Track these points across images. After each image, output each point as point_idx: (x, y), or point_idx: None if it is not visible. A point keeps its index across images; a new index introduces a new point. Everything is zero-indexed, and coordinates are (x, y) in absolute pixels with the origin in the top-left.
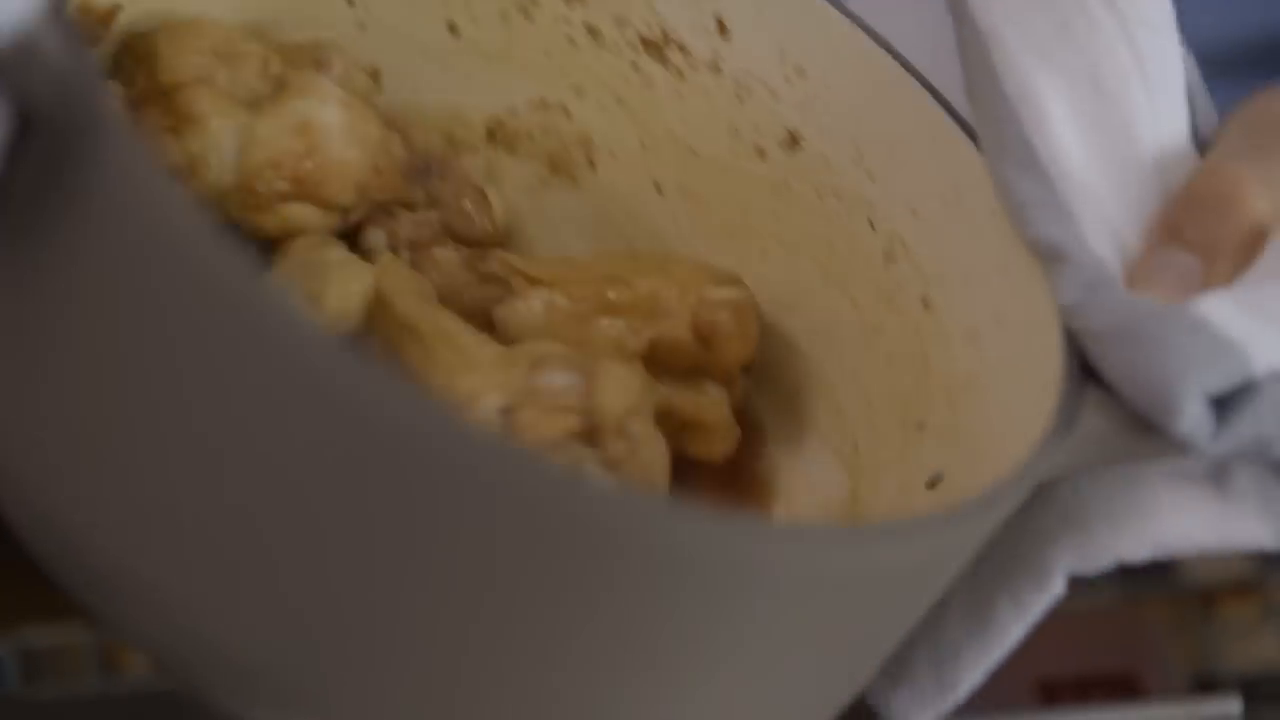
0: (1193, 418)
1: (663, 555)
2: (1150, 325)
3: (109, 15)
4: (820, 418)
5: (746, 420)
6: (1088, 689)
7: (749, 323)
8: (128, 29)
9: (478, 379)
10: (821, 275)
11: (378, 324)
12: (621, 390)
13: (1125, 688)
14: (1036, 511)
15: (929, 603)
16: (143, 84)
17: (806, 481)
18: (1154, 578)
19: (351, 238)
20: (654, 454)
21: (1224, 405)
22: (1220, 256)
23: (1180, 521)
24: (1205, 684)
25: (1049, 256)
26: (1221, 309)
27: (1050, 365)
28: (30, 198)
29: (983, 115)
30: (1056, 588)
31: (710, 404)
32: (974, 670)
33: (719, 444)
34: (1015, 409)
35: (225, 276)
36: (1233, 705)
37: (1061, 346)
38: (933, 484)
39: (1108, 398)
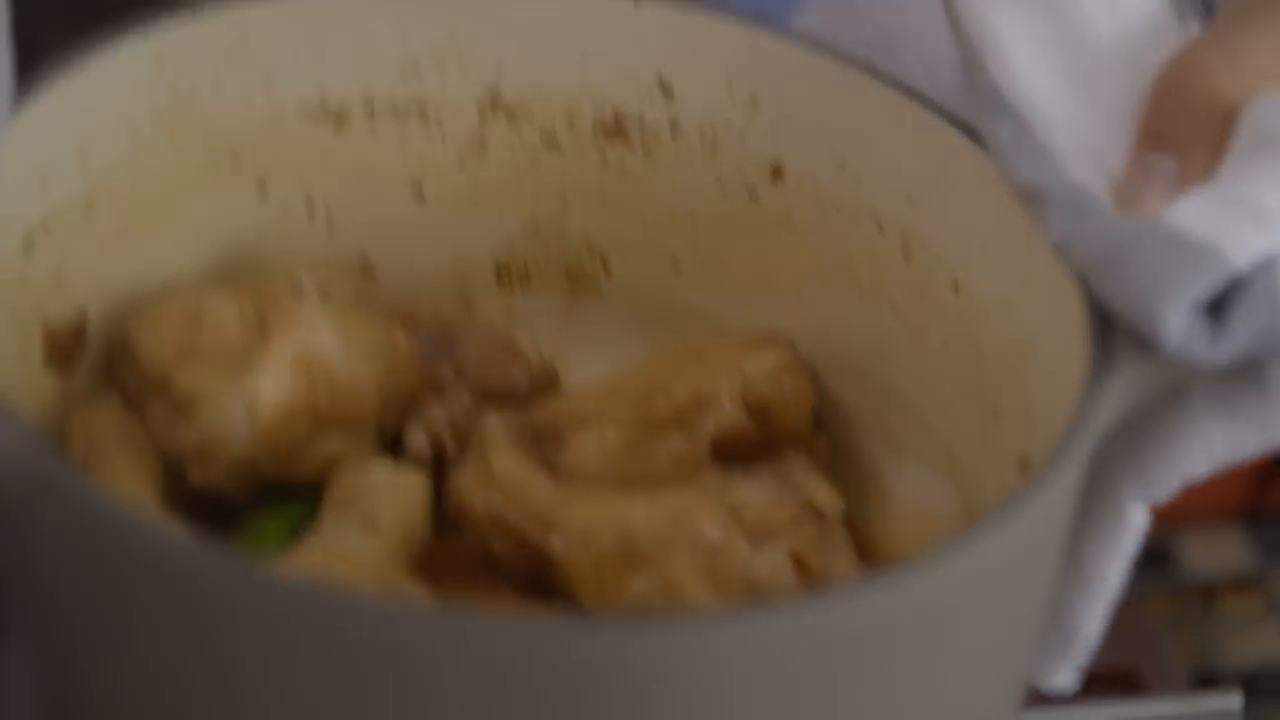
0: (1180, 329)
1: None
2: (1126, 246)
3: (78, 332)
4: (909, 436)
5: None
6: (1088, 684)
7: (798, 382)
8: (106, 333)
9: (710, 524)
10: (856, 293)
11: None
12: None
13: (1126, 683)
14: (1101, 451)
15: (1046, 582)
16: (134, 380)
17: (917, 504)
18: (1154, 573)
19: (395, 442)
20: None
21: (1221, 308)
22: (1194, 151)
23: (1229, 432)
24: (1206, 679)
25: (1032, 199)
26: (1192, 211)
27: (1078, 312)
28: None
29: (963, 66)
30: (1137, 520)
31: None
32: (1090, 619)
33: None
34: (1067, 366)
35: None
36: (1233, 700)
37: (1079, 291)
38: (1023, 467)
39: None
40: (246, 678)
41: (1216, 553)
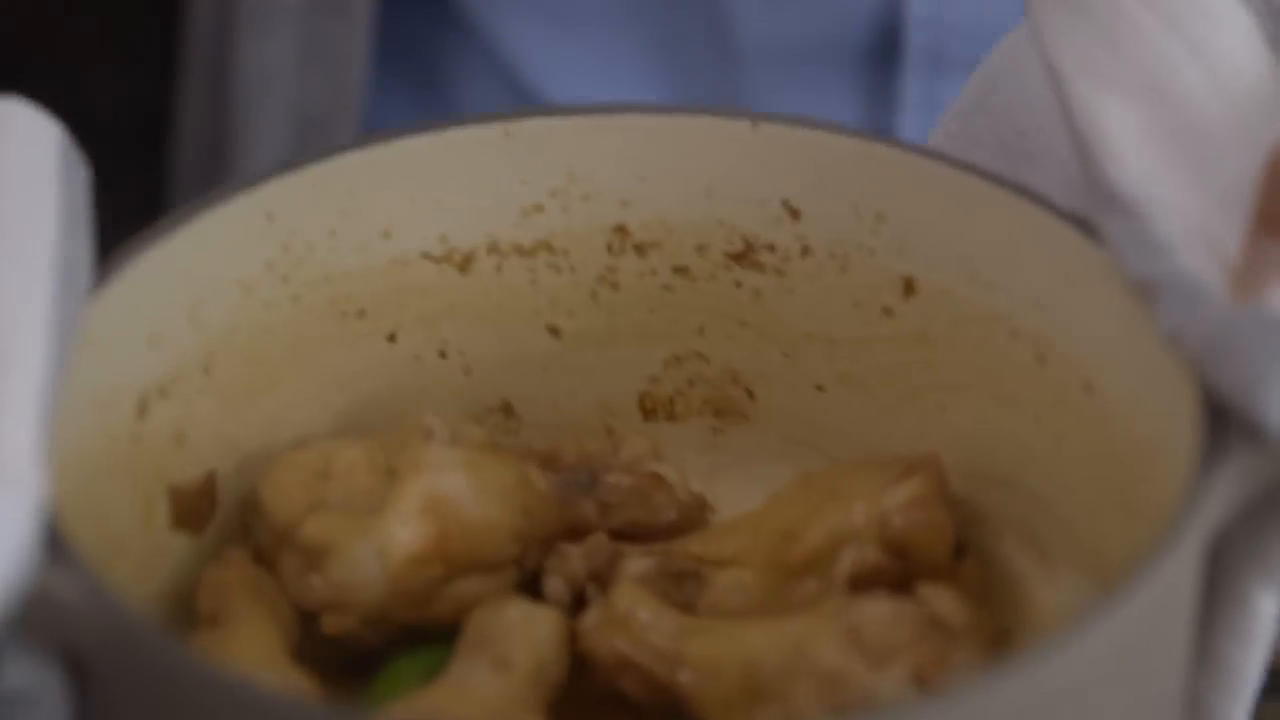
0: None
1: None
2: (1233, 332)
3: (207, 492)
4: (1057, 542)
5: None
6: None
7: (936, 515)
8: (237, 490)
9: (828, 650)
10: (996, 404)
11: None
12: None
13: None
14: (1223, 547)
15: (1165, 677)
16: (266, 536)
17: (1072, 610)
18: None
19: (535, 582)
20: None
21: None
22: None
23: None
24: None
25: (1146, 292)
26: None
27: (1192, 403)
28: None
29: (1079, 161)
30: (1266, 610)
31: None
32: (1229, 718)
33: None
34: (1190, 458)
35: None
36: None
37: (1193, 382)
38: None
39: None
40: None
41: None
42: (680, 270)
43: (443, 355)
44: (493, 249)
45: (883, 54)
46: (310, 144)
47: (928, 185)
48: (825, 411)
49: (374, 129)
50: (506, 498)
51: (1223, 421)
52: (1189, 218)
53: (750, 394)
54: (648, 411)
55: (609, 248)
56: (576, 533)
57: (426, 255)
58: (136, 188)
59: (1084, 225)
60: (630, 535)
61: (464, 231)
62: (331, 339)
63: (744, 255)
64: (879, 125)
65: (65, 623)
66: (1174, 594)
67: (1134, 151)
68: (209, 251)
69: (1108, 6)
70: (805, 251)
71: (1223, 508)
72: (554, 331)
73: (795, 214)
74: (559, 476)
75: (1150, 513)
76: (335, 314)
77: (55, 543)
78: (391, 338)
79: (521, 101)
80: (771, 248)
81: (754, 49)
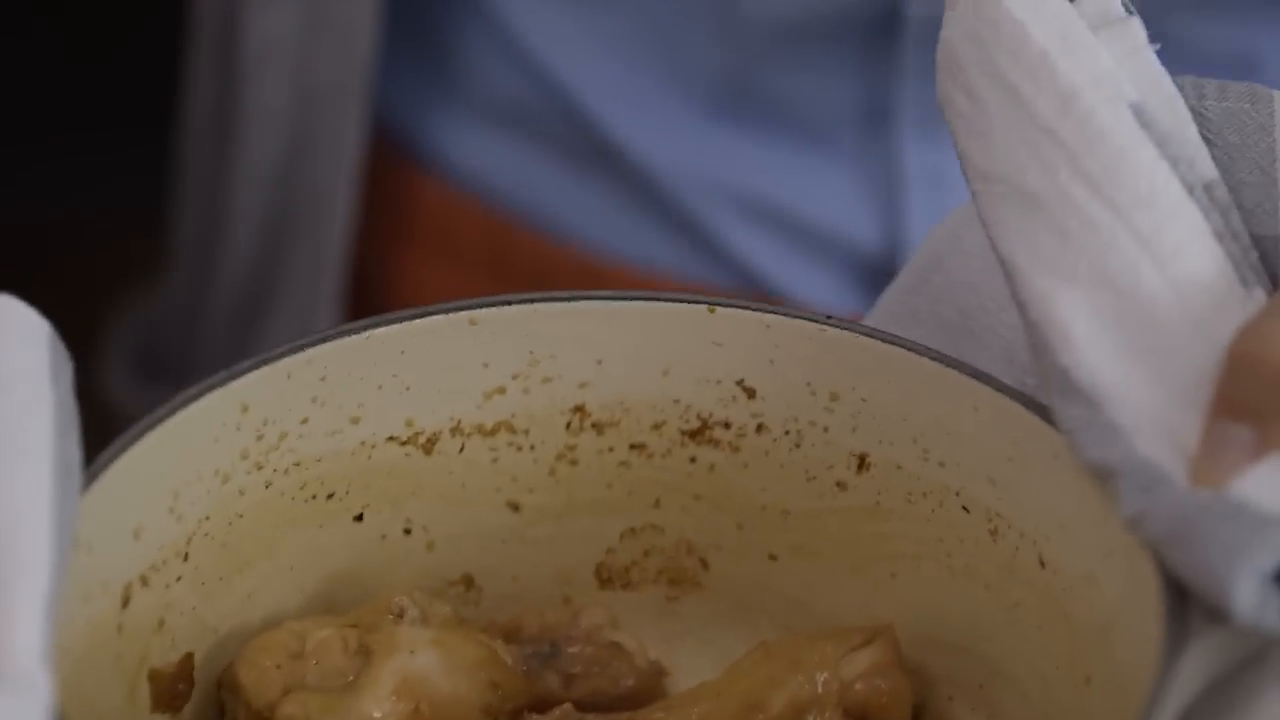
0: (1251, 600)
1: None
2: (1195, 518)
3: (184, 675)
4: (1011, 709)
5: None
6: None
7: (896, 681)
8: (212, 670)
9: None
10: (949, 574)
11: None
12: None
13: None
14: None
15: None
16: (243, 715)
17: None
18: None
19: None
20: None
21: None
22: (1273, 421)
23: None
24: None
25: (1104, 476)
26: (1263, 481)
27: (1154, 582)
28: None
29: (1030, 349)
30: None
31: None
32: None
33: None
34: (1150, 636)
35: None
36: None
37: (1155, 565)
38: None
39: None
40: None
41: None
42: (637, 447)
43: (407, 532)
44: (456, 430)
45: (883, 26)
46: (317, 119)
47: (880, 366)
48: (779, 580)
49: (382, 103)
50: (475, 673)
51: (1186, 603)
52: (1146, 407)
53: (704, 563)
54: (604, 581)
55: (568, 427)
56: (541, 704)
57: (393, 438)
58: (146, 160)
59: (1036, 405)
60: (591, 705)
61: (429, 414)
62: (301, 520)
63: (699, 432)
64: (879, 97)
65: None
66: None
67: (1088, 341)
68: (188, 444)
69: (1058, 198)
70: (760, 429)
71: (1189, 687)
72: (514, 507)
73: (750, 393)
74: (523, 649)
75: (1107, 686)
76: (305, 497)
77: None
78: (359, 518)
79: (530, 77)
80: (726, 425)
81: (758, 24)
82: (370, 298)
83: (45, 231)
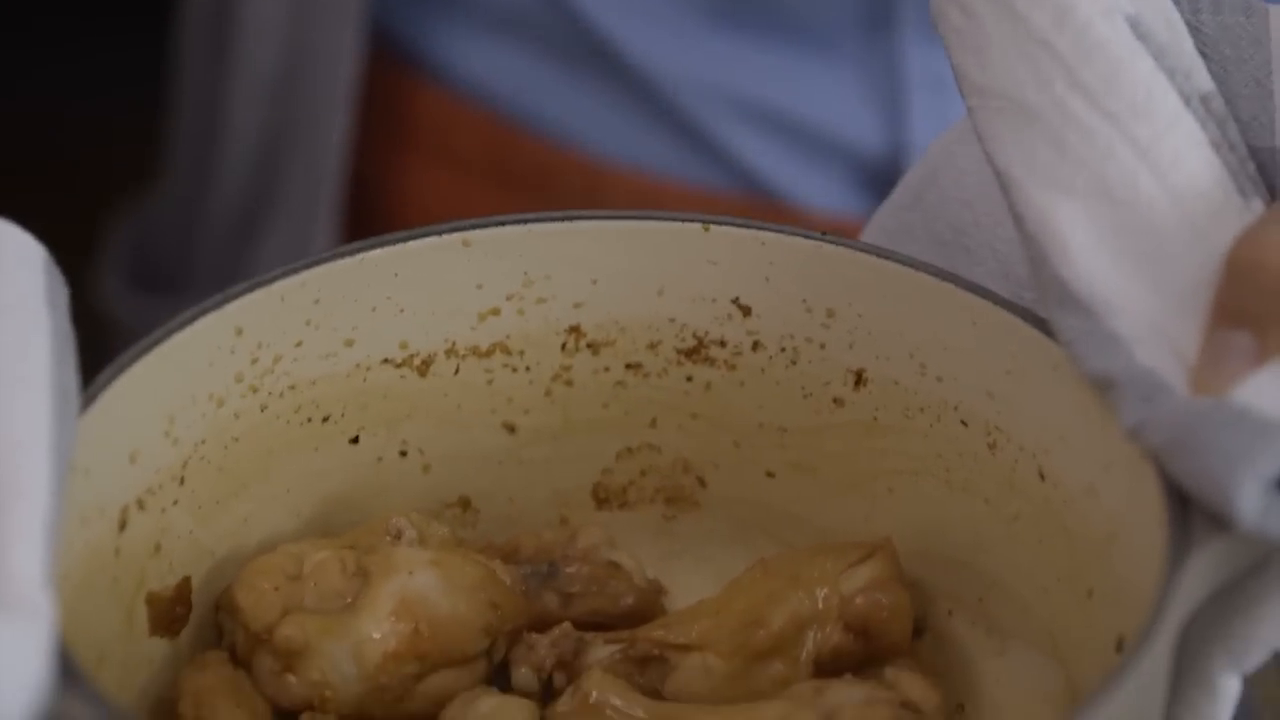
0: (1255, 506)
1: None
2: (1197, 427)
3: (182, 598)
4: (1011, 621)
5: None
6: None
7: (896, 596)
8: (209, 594)
9: None
10: (947, 488)
11: None
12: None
13: None
14: (1190, 624)
15: None
16: (241, 638)
17: (1026, 686)
18: None
19: (503, 674)
20: None
21: None
22: (1272, 327)
23: None
24: None
25: (1105, 387)
26: (1264, 388)
27: (1157, 495)
28: None
29: (1028, 262)
30: (1229, 690)
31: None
32: None
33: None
34: (1152, 546)
35: None
36: None
37: (1157, 474)
38: (1120, 646)
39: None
40: None
41: None
42: (633, 367)
43: (403, 454)
44: (451, 352)
45: None
46: (315, 28)
47: (877, 282)
48: (776, 497)
49: (380, 12)
50: (474, 594)
51: (1188, 512)
52: (1145, 316)
53: (701, 482)
54: (600, 501)
55: (563, 347)
56: (540, 623)
57: (388, 361)
58: (142, 65)
59: (1034, 318)
60: (591, 624)
61: (424, 336)
62: (297, 444)
63: (695, 351)
64: (881, 1)
65: None
66: (1151, 683)
67: (1086, 251)
68: (182, 368)
69: (1055, 110)
70: (756, 346)
71: (1193, 596)
72: (510, 428)
73: (746, 311)
74: (521, 569)
75: (1109, 597)
76: (300, 420)
77: (67, 666)
78: (354, 440)
79: None
80: (722, 343)
81: None
82: (370, 208)
83: (37, 133)
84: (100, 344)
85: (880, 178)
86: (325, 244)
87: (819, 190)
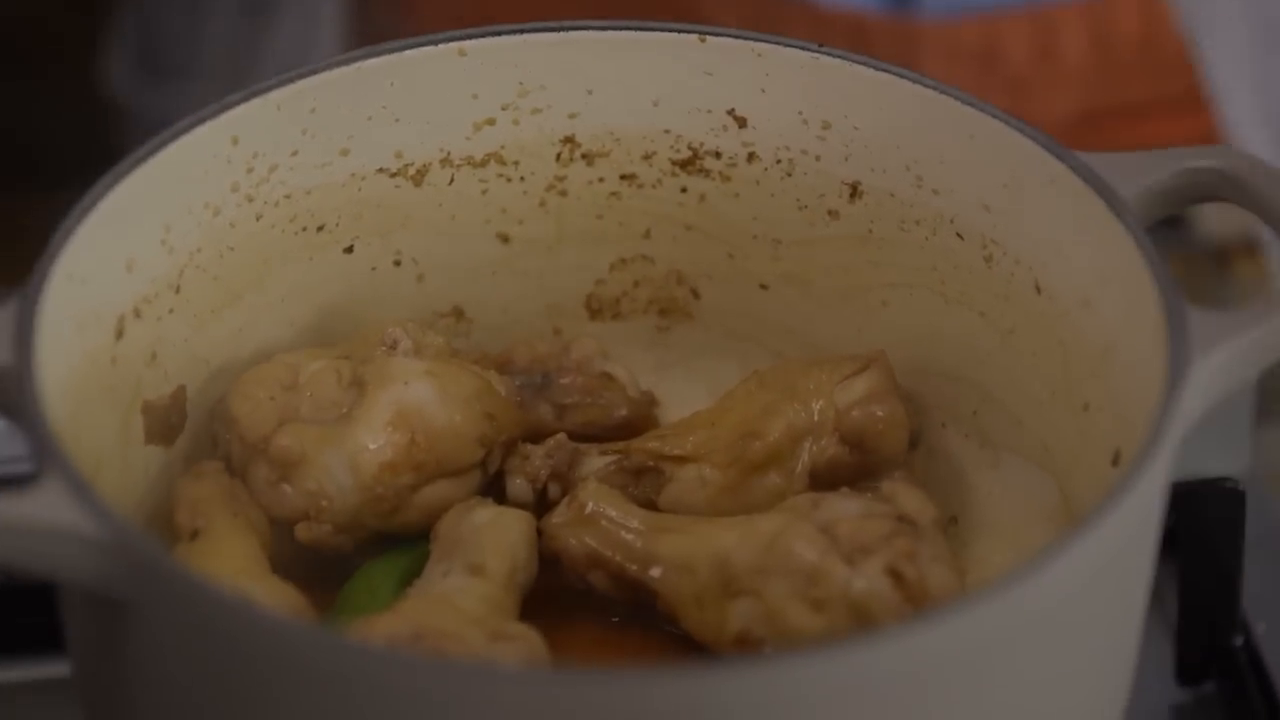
0: None
1: None
2: None
3: (177, 407)
4: (1004, 434)
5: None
6: None
7: (892, 407)
8: (205, 404)
9: (804, 547)
10: (943, 301)
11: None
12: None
13: None
14: None
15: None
16: (236, 447)
17: (1019, 498)
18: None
19: (496, 484)
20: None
21: None
22: None
23: None
24: None
25: None
26: None
27: (1155, 306)
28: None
29: None
30: None
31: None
32: None
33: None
34: (1149, 361)
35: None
36: None
37: (1153, 280)
38: (1115, 460)
39: (1216, 320)
40: None
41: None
42: (627, 178)
43: (397, 264)
44: (446, 162)
45: None
46: None
47: (874, 94)
48: (769, 309)
49: None
50: (470, 405)
51: (1186, 324)
52: None
53: (695, 293)
54: (594, 312)
55: (558, 158)
56: (534, 435)
57: (383, 170)
58: None
59: (1034, 132)
60: (584, 435)
61: (419, 146)
62: (292, 253)
63: (690, 162)
64: None
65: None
66: (1152, 499)
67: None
68: (179, 177)
69: None
70: (751, 158)
71: (1193, 410)
72: (504, 238)
73: (741, 122)
74: (514, 380)
75: (1105, 411)
76: (295, 229)
77: (67, 474)
78: (349, 250)
79: None
80: (717, 154)
81: None
82: None
83: None
84: (113, 134)
85: None
86: (334, 23)
87: None
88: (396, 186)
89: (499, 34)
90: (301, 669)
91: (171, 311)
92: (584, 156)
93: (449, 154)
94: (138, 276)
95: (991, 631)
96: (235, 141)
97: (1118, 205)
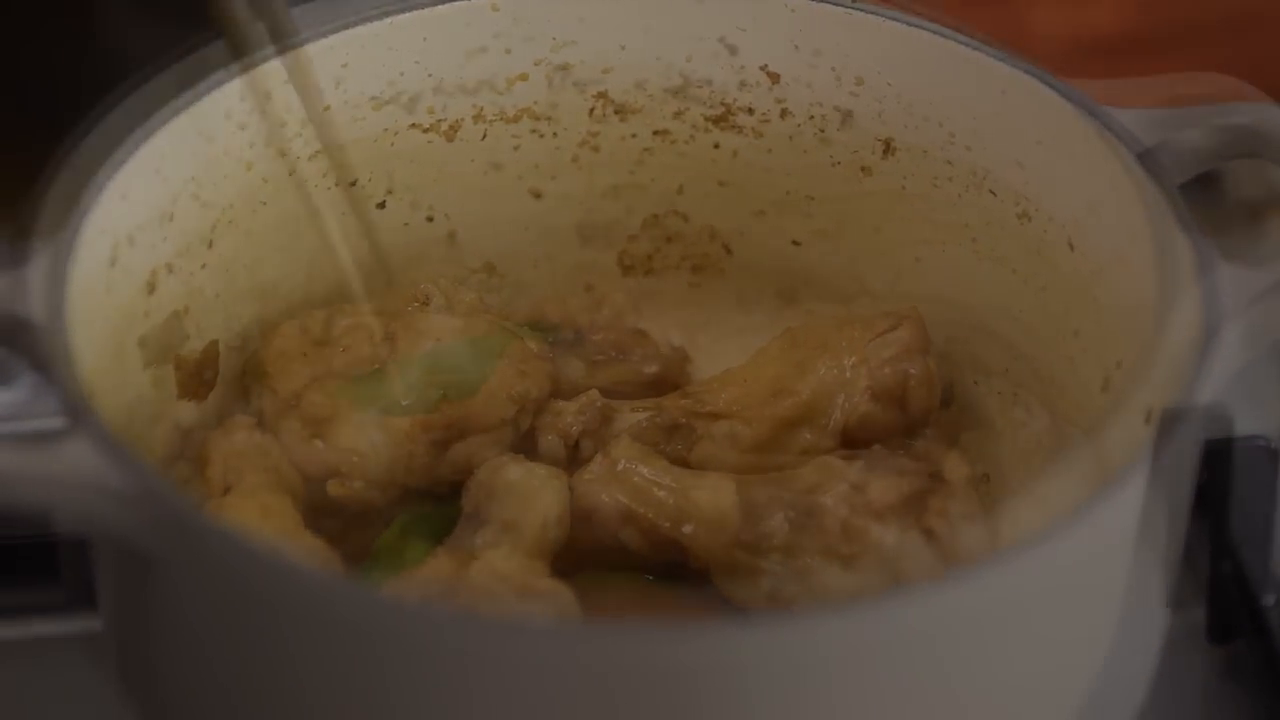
0: None
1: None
2: None
3: (210, 362)
4: (1037, 392)
5: None
6: None
7: (925, 365)
8: (237, 359)
9: (836, 504)
10: (975, 258)
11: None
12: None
13: None
14: None
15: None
16: (268, 402)
17: (1051, 456)
18: None
19: (528, 441)
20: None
21: None
22: None
23: None
24: None
25: None
26: None
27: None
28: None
29: None
30: None
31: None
32: None
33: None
34: (1184, 318)
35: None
36: None
37: (1186, 237)
38: (1148, 418)
39: (1249, 278)
40: (385, 705)
41: None
42: (660, 134)
43: (429, 220)
44: (479, 117)
45: None
46: None
47: (907, 50)
48: (802, 264)
49: None
50: (501, 360)
51: (1219, 283)
52: None
53: (727, 249)
54: (626, 268)
55: (590, 113)
56: (566, 391)
57: (415, 125)
58: None
59: (1067, 89)
60: (616, 392)
61: (452, 102)
62: (324, 209)
63: (723, 118)
64: None
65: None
66: (1183, 463)
67: None
68: (212, 131)
69: None
70: (784, 114)
71: (1227, 368)
72: (536, 194)
73: (774, 78)
74: (546, 338)
75: (1139, 368)
76: (328, 184)
77: (113, 440)
78: (381, 205)
79: None
80: (750, 110)
81: None
82: None
83: None
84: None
85: None
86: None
87: None
88: (429, 142)
89: None
90: (333, 624)
91: (204, 267)
92: (617, 112)
93: (481, 109)
94: (170, 231)
95: (1023, 589)
96: (268, 96)
97: (1150, 163)
